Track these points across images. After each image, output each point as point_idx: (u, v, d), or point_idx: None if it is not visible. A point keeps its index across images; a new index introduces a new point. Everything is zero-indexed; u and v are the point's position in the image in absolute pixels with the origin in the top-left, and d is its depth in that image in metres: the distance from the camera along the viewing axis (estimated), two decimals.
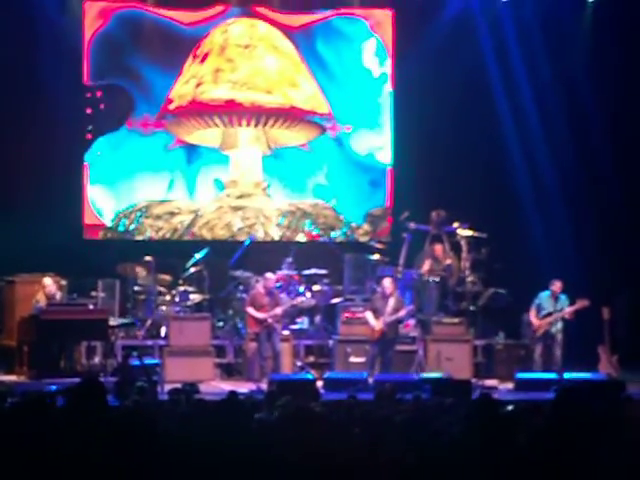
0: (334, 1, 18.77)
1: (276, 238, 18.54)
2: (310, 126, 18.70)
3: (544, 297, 15.81)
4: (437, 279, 16.77)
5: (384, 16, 18.70)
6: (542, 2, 18.25)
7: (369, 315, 15.34)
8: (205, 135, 18.51)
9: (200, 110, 18.34)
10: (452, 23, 18.17)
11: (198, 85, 18.35)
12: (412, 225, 16.88)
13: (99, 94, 18.13)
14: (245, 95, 18.36)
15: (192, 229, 18.41)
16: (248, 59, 18.47)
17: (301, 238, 18.52)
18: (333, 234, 18.65)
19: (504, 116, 18.42)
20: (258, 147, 18.55)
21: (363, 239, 18.49)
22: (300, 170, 18.71)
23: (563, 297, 15.75)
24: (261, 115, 18.40)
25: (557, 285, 15.74)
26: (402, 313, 15.36)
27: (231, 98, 18.33)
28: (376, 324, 15.19)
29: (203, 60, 18.35)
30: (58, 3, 17.65)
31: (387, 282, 15.47)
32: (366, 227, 18.75)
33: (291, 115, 18.51)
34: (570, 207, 18.21)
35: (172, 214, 18.41)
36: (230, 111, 18.30)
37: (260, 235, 18.39)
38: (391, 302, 15.28)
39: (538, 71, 18.30)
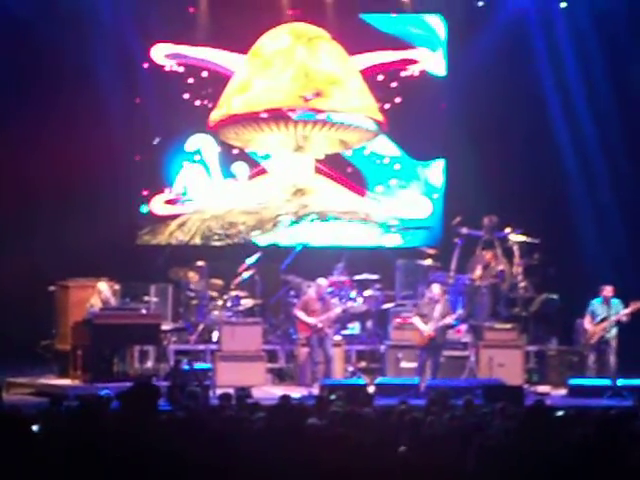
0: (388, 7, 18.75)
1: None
2: (355, 130, 18.68)
3: (597, 303, 15.65)
4: (489, 285, 16.70)
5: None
6: (597, 9, 18.01)
7: (417, 320, 15.21)
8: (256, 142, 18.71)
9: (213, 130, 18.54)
10: (505, 30, 18.02)
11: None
12: (464, 230, 16.79)
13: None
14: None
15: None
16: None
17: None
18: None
19: (557, 121, 18.27)
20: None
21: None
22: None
23: (616, 301, 15.56)
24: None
25: (608, 290, 15.58)
26: (450, 319, 15.26)
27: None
28: (426, 329, 15.12)
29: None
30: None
31: (436, 288, 15.35)
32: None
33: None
34: (623, 211, 18.04)
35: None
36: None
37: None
38: (438, 308, 15.15)
39: (593, 76, 18.10)
